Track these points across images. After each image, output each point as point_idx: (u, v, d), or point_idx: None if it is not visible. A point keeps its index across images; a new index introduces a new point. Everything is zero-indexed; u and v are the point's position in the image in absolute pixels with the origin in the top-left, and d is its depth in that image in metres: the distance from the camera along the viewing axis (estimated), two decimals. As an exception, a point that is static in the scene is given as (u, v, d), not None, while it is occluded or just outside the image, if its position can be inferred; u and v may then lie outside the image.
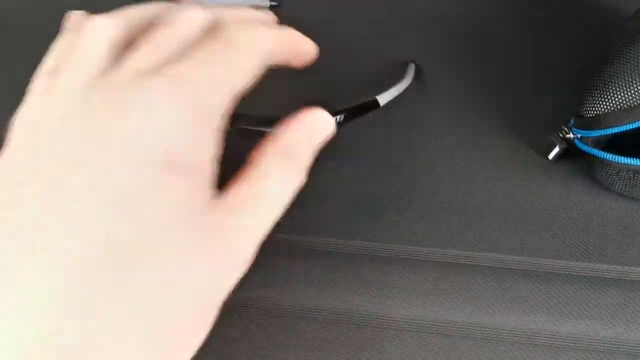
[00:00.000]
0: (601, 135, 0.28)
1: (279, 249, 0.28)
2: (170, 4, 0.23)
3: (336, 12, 0.41)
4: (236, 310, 0.27)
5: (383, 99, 0.31)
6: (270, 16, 0.26)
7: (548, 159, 0.30)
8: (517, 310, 0.27)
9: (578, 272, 0.27)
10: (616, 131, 0.27)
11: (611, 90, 0.27)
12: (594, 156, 0.28)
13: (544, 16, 0.36)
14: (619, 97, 0.27)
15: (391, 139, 0.32)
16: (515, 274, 0.27)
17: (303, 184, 0.22)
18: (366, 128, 0.33)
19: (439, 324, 0.26)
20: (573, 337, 0.26)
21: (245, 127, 0.27)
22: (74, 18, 0.23)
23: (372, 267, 0.28)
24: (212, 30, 0.21)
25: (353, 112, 0.29)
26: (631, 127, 0.27)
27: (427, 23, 0.39)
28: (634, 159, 0.27)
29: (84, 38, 0.21)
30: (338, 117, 0.29)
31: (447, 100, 0.34)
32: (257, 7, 0.42)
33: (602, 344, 0.25)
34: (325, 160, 0.31)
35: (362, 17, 0.41)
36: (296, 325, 0.27)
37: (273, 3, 0.42)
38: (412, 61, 0.36)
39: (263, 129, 0.27)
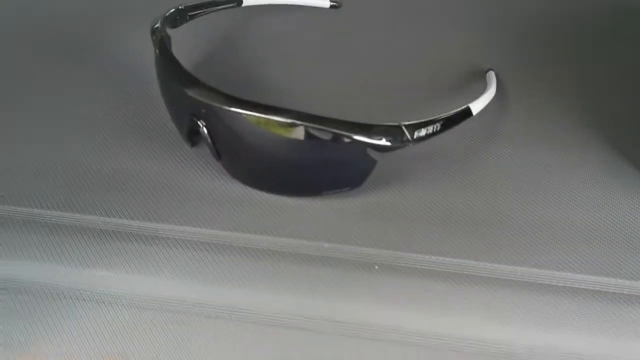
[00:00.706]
0: None
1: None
2: None
3: (400, 14, 0.40)
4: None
5: (476, 107, 0.29)
6: None
7: (651, 177, 0.28)
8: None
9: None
10: None
11: None
12: None
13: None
14: None
15: (478, 154, 0.31)
16: (630, 300, 0.26)
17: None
18: (452, 141, 0.31)
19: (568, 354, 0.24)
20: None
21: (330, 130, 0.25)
22: None
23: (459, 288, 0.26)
24: None
25: (448, 121, 0.28)
26: None
27: (504, 25, 0.37)
28: None
29: None
30: (434, 126, 0.27)
31: (534, 112, 0.32)
32: (317, 8, 0.40)
33: None
34: (418, 174, 0.29)
35: (428, 20, 0.39)
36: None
37: (333, 4, 0.40)
38: (490, 69, 0.35)
39: (345, 133, 0.25)
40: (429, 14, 0.40)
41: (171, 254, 0.26)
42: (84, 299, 0.24)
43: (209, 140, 0.27)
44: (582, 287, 0.26)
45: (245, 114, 0.25)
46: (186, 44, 0.36)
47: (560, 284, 0.26)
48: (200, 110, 0.26)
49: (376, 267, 0.26)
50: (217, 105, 0.25)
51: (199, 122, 0.27)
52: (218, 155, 0.28)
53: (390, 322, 0.24)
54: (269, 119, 0.25)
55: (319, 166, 0.26)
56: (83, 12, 0.39)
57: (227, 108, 0.25)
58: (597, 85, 0.33)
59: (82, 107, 0.32)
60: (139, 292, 0.25)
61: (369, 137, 0.25)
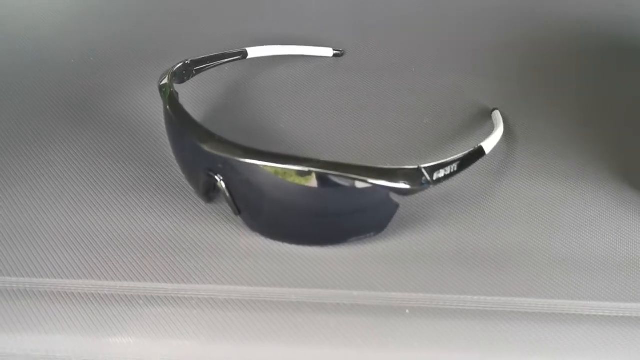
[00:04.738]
0: None
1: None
2: None
3: (401, 61, 0.40)
4: None
5: (487, 146, 0.29)
6: None
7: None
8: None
9: None
10: None
11: None
12: None
13: None
14: None
15: (494, 191, 0.31)
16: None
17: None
18: (467, 180, 0.31)
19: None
20: None
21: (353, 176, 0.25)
22: None
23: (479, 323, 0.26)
24: None
25: (464, 161, 0.28)
26: None
27: (505, 67, 0.38)
28: None
29: None
30: (451, 166, 0.27)
31: (541, 147, 0.33)
32: (320, 57, 0.41)
33: None
34: (437, 215, 0.29)
35: (428, 64, 0.40)
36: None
37: (337, 52, 0.40)
38: (495, 108, 0.35)
39: (368, 179, 0.25)
40: (429, 59, 0.41)
41: (194, 314, 0.25)
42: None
43: (228, 195, 0.27)
44: (603, 314, 0.25)
45: (264, 165, 0.25)
46: (193, 98, 0.37)
47: (582, 312, 0.25)
48: (218, 164, 0.26)
49: (407, 311, 0.25)
50: (235, 158, 0.25)
51: (216, 177, 0.27)
52: (237, 209, 0.27)
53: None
54: (289, 169, 0.25)
55: (342, 213, 0.26)
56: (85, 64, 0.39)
57: (245, 160, 0.25)
58: (603, 118, 0.33)
59: (89, 165, 0.32)
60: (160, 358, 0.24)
61: (391, 181, 0.25)
